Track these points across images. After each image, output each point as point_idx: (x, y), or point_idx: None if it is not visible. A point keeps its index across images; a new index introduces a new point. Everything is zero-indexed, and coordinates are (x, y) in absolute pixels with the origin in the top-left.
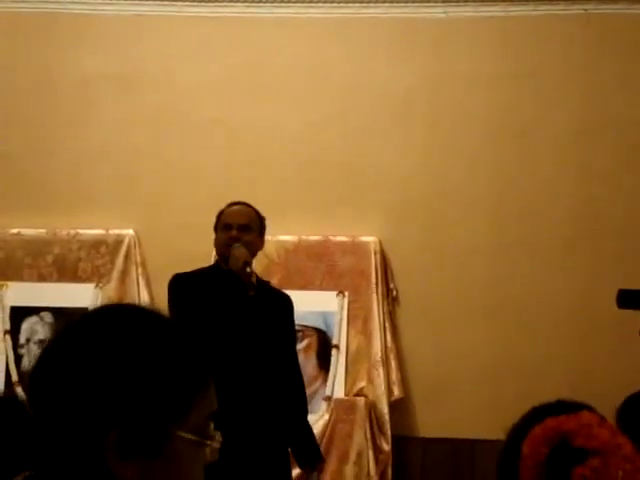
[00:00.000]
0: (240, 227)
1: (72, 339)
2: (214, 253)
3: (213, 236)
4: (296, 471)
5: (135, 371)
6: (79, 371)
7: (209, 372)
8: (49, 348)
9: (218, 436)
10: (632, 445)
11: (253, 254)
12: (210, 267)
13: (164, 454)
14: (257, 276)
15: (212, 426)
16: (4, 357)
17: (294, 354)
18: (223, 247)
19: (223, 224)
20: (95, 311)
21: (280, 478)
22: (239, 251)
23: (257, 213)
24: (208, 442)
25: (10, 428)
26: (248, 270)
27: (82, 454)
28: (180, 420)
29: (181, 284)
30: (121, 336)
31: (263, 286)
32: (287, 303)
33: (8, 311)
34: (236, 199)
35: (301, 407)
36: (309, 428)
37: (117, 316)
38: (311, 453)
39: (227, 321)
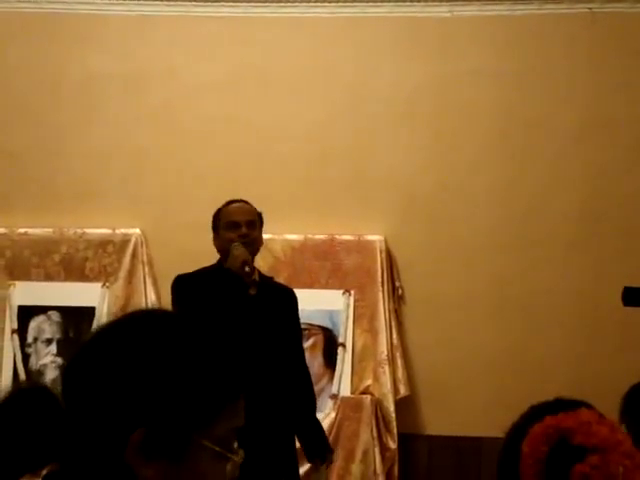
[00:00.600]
0: (247, 223)
1: (112, 337)
2: None
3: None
4: (304, 468)
5: (168, 373)
6: (114, 367)
7: (241, 386)
8: (90, 341)
9: (241, 453)
10: (632, 441)
11: (257, 250)
12: (213, 266)
13: (187, 460)
14: (260, 272)
15: (236, 442)
16: (12, 356)
17: (300, 348)
18: (230, 245)
19: (227, 222)
20: (140, 312)
21: (288, 474)
22: (238, 250)
23: (256, 210)
24: (230, 455)
25: (41, 417)
26: (247, 269)
27: (106, 449)
28: (206, 428)
29: (183, 285)
30: (160, 338)
31: (266, 282)
32: (291, 297)
33: (16, 310)
34: (243, 197)
35: (309, 401)
36: (317, 422)
37: (161, 319)
38: (320, 446)
39: (229, 320)
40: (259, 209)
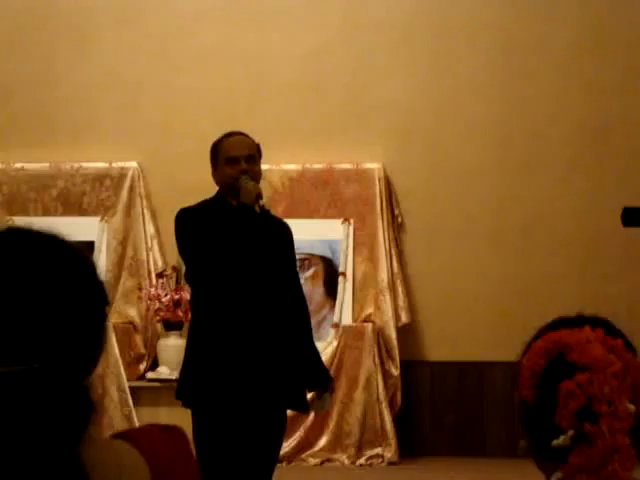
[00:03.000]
0: (246, 158)
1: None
2: None
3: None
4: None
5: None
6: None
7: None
8: None
9: None
10: (625, 364)
11: (258, 183)
12: (213, 199)
13: None
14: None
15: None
16: None
17: (296, 280)
18: (231, 181)
19: (227, 157)
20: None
21: (294, 399)
22: (249, 184)
23: (254, 141)
24: None
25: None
26: (261, 203)
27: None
28: None
29: (187, 218)
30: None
31: (265, 214)
32: (287, 231)
33: None
34: (239, 127)
35: (306, 331)
36: (316, 351)
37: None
38: (320, 375)
39: (234, 252)
40: (256, 140)
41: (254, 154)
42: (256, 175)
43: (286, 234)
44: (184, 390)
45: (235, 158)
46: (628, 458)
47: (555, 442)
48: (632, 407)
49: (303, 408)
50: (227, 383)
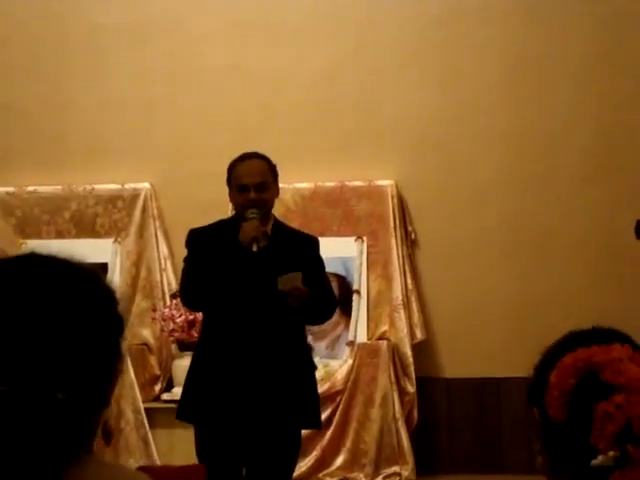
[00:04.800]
0: (256, 187)
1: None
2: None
3: (225, 184)
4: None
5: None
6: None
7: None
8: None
9: None
10: None
11: (271, 207)
12: (228, 220)
13: None
14: (278, 221)
15: None
16: None
17: (323, 285)
18: (241, 209)
19: (238, 185)
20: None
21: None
22: (250, 225)
23: (269, 163)
24: None
25: None
26: (254, 248)
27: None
28: None
29: (191, 239)
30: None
31: (284, 232)
32: (309, 245)
33: None
34: (252, 146)
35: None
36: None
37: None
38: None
39: (234, 275)
40: (272, 160)
41: (266, 181)
42: (266, 202)
43: (308, 247)
44: (186, 406)
45: (245, 186)
46: None
47: (595, 462)
48: None
49: (314, 425)
50: (227, 399)
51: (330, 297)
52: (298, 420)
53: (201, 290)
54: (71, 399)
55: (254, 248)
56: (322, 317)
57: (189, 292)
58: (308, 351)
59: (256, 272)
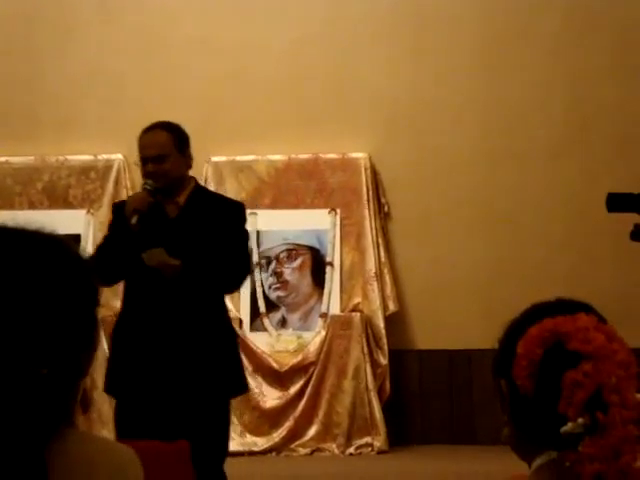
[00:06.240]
0: (153, 159)
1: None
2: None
3: (197, 157)
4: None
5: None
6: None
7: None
8: None
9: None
10: (628, 351)
11: (175, 178)
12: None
13: None
14: (196, 190)
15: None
16: None
17: (230, 252)
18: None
19: (139, 157)
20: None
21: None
22: (133, 197)
23: (172, 133)
24: None
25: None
26: (133, 221)
27: None
28: None
29: (113, 213)
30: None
31: (205, 198)
32: (231, 208)
33: None
34: (225, 118)
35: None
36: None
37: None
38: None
39: (135, 247)
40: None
41: (164, 153)
42: (167, 173)
43: (226, 213)
44: (110, 381)
45: (143, 158)
46: (636, 449)
47: (564, 429)
48: (639, 396)
49: (240, 391)
50: (147, 374)
51: (236, 265)
52: (223, 389)
53: (105, 265)
54: (52, 372)
55: (133, 220)
56: (226, 285)
57: (96, 267)
58: (227, 319)
59: (171, 240)
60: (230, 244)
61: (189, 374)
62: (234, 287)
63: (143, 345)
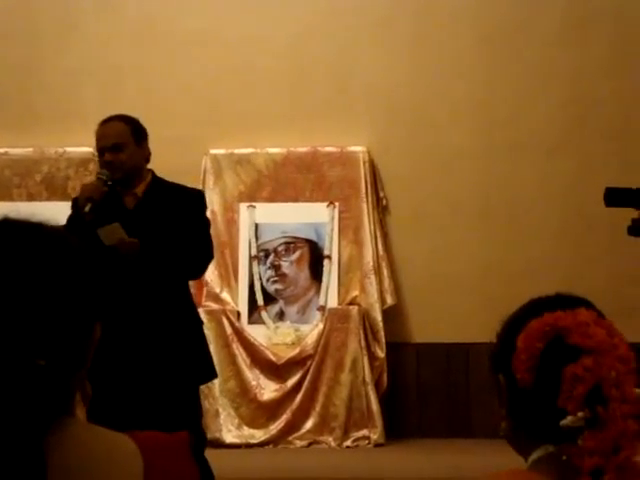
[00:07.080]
0: (109, 149)
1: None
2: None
3: (196, 149)
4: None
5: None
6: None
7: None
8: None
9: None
10: (628, 346)
11: (134, 167)
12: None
13: None
14: (154, 181)
15: None
16: None
17: (191, 238)
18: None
19: (96, 148)
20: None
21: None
22: (86, 186)
23: (128, 124)
24: None
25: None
26: (86, 209)
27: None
28: None
29: (72, 207)
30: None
31: (163, 188)
32: (190, 197)
33: None
34: (224, 111)
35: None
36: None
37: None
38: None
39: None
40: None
41: (120, 142)
42: (124, 163)
43: (185, 202)
44: None
45: (100, 150)
46: (636, 443)
47: (564, 422)
48: (638, 391)
49: (208, 378)
50: (113, 363)
51: (197, 249)
52: (191, 376)
53: None
54: (51, 364)
55: (86, 209)
56: (187, 269)
57: None
58: (193, 306)
59: (130, 231)
60: (190, 231)
61: (155, 362)
62: (196, 272)
63: (108, 334)
